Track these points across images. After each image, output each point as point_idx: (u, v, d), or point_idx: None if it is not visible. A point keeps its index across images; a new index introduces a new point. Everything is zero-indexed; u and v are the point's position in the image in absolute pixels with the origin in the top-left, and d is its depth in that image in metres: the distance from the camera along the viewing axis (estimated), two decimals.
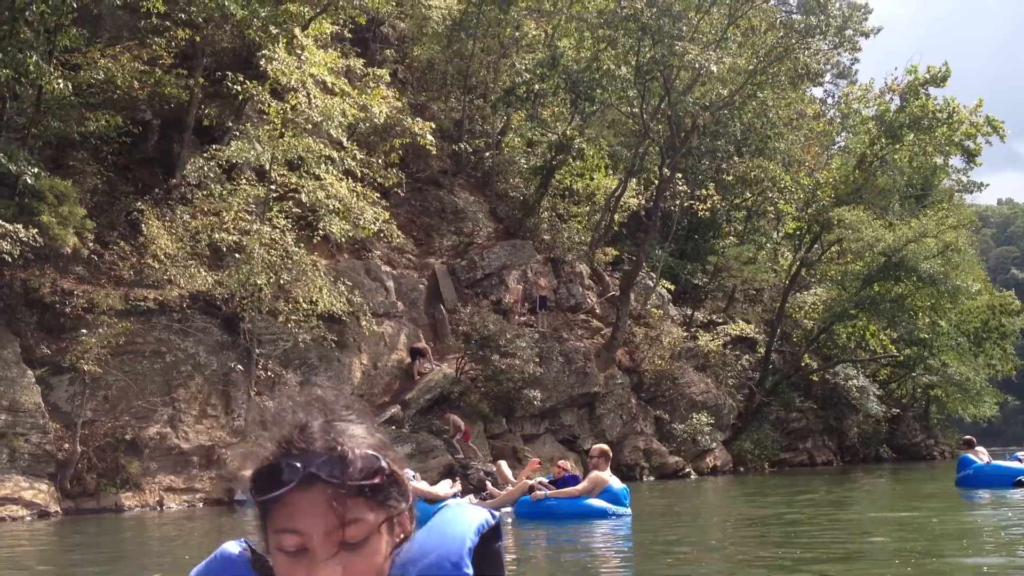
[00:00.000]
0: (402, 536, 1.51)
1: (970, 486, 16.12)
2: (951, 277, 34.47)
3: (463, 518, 1.58)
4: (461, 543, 1.52)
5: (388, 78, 26.26)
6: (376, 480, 1.41)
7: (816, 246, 39.39)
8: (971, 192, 52.67)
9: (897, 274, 34.85)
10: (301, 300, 20.65)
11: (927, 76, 36.99)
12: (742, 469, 33.33)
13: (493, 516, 1.61)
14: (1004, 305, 46.59)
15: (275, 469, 1.40)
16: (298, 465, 1.38)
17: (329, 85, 22.00)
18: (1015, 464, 16.74)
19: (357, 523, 1.38)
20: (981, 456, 17.00)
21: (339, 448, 1.40)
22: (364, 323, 22.70)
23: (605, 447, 13.23)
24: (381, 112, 23.13)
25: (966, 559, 7.76)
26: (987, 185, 58.62)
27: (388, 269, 26.68)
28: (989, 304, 45.10)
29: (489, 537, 1.59)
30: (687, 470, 29.59)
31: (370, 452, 1.43)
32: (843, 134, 48.70)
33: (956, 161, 44.32)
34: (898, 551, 8.43)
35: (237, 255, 20.31)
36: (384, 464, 1.43)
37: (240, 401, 21.00)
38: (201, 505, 19.24)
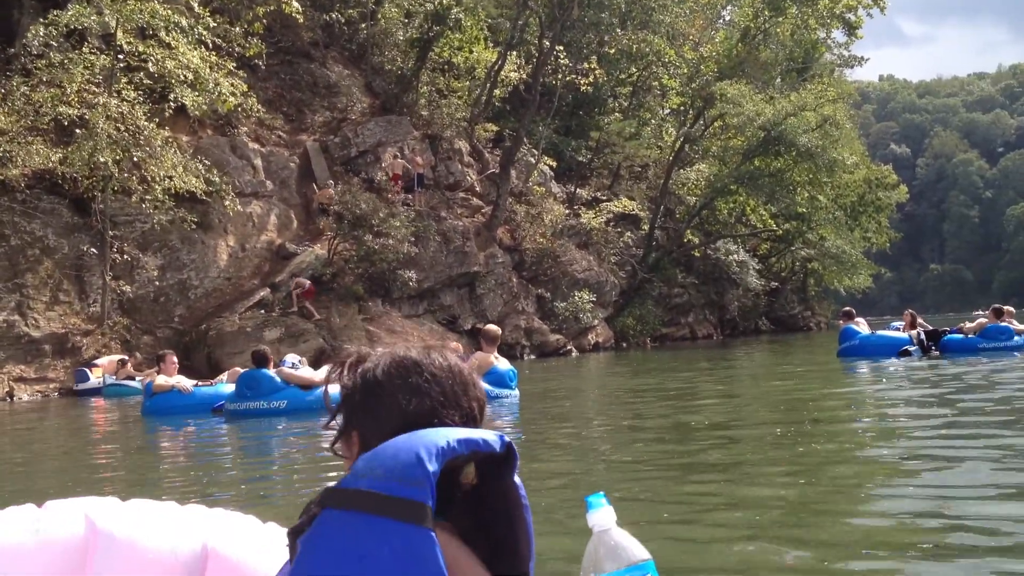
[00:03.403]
0: None
1: (854, 356, 16.04)
2: (828, 151, 34.74)
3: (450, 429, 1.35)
4: (433, 440, 1.27)
5: None
6: None
7: (700, 121, 39.26)
8: (851, 67, 53.27)
9: (776, 148, 34.95)
10: (155, 179, 19.37)
11: None
12: (624, 345, 33.68)
13: (501, 440, 1.34)
14: (880, 179, 47.66)
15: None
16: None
17: None
18: (898, 334, 16.69)
19: None
20: (862, 327, 17.01)
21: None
22: (228, 203, 21.55)
23: (494, 328, 12.55)
24: None
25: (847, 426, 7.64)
26: (867, 59, 59.21)
27: (256, 147, 25.34)
28: (866, 178, 46.03)
29: (498, 465, 1.37)
30: (568, 347, 29.71)
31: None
32: (728, 7, 48.21)
33: (837, 35, 44.62)
34: (782, 421, 8.29)
35: (80, 131, 18.84)
36: None
37: (95, 286, 19.95)
38: (56, 395, 18.35)
